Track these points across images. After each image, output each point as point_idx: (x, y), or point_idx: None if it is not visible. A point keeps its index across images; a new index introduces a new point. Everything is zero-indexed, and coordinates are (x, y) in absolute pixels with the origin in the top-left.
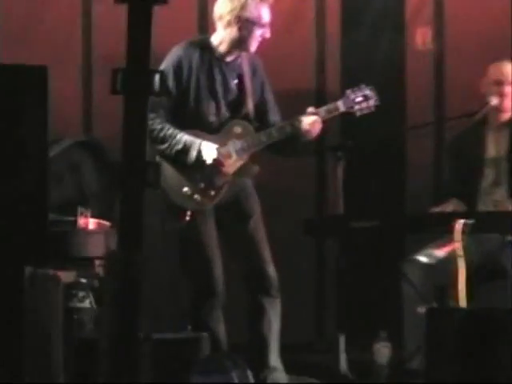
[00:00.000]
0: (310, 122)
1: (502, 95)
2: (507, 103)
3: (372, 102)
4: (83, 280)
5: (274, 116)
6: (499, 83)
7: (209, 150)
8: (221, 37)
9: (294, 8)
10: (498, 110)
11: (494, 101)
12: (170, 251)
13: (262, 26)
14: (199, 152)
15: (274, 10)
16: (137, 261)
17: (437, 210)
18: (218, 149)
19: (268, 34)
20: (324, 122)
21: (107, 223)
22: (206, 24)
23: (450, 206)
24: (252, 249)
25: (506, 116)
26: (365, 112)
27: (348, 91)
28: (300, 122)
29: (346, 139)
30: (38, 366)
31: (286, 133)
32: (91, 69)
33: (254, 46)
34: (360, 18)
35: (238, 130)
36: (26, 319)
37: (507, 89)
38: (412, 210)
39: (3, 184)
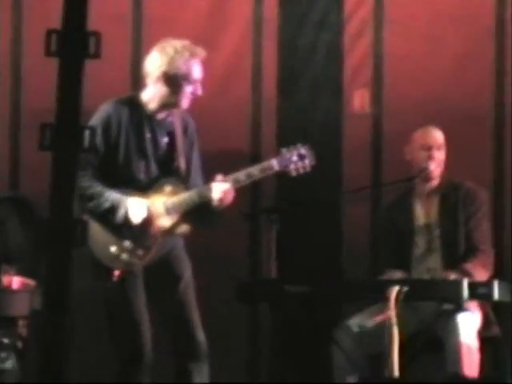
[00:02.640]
0: (222, 189)
1: (431, 159)
2: (436, 170)
3: (308, 162)
4: (6, 340)
5: (196, 178)
6: (429, 148)
7: (137, 209)
8: (150, 94)
9: (230, 66)
10: (428, 176)
11: (432, 165)
12: (97, 312)
13: (192, 82)
14: (127, 210)
15: (209, 66)
16: (62, 323)
17: (385, 277)
18: (148, 206)
19: (199, 91)
20: (238, 189)
21: (32, 282)
22: (138, 80)
23: (397, 274)
24: (181, 312)
25: (434, 183)
26: (300, 172)
27: (283, 150)
28: (210, 189)
29: (281, 202)
30: None
31: (196, 200)
32: (19, 123)
33: (184, 102)
34: (297, 79)
35: (168, 188)
36: None
37: (436, 153)
38: (348, 274)
39: None
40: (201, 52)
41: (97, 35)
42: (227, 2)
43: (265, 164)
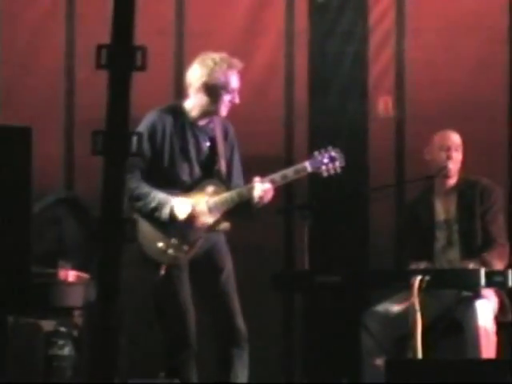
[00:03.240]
0: (263, 188)
1: (449, 159)
2: (454, 168)
3: (338, 164)
4: (63, 329)
5: (238, 179)
6: (447, 149)
7: (182, 207)
8: (192, 103)
9: (264, 75)
10: (446, 174)
11: (451, 164)
12: (146, 303)
13: (230, 91)
14: (172, 209)
15: (245, 76)
16: (114, 312)
17: (412, 267)
18: (191, 205)
19: (237, 100)
20: (275, 189)
21: (86, 275)
22: (181, 90)
23: (422, 265)
24: (222, 302)
25: (452, 181)
26: (331, 173)
27: (315, 153)
28: (253, 188)
29: (313, 199)
30: None
31: (236, 199)
32: (73, 130)
33: (223, 110)
34: (327, 86)
35: (210, 188)
36: (8, 364)
37: (454, 153)
38: (374, 266)
39: None
40: (238, 63)
41: (143, 49)
42: (261, 16)
43: (298, 166)
